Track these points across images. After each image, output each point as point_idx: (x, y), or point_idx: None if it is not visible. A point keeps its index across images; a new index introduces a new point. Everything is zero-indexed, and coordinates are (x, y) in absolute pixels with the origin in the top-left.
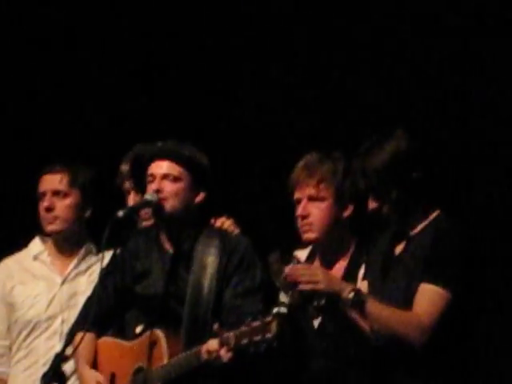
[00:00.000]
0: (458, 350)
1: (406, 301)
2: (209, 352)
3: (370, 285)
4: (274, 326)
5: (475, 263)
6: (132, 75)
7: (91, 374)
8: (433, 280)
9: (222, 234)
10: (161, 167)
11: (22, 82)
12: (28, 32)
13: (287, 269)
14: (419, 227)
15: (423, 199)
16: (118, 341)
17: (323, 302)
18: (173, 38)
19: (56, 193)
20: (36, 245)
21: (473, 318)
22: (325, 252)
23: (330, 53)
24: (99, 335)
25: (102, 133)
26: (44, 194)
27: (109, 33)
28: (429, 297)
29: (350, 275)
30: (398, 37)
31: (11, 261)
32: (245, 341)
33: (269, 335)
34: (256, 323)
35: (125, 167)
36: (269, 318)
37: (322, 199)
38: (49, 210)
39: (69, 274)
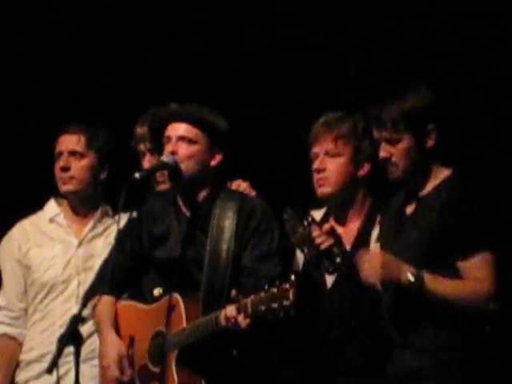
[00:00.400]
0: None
1: (418, 258)
2: (227, 318)
3: (382, 246)
4: (291, 294)
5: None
6: (143, 38)
7: (115, 343)
8: (473, 250)
9: (240, 196)
10: (177, 129)
11: (35, 43)
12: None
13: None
14: (430, 187)
15: (435, 155)
16: (137, 304)
17: (339, 259)
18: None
19: (72, 153)
20: (51, 207)
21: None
22: (339, 210)
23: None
24: (117, 298)
25: (117, 95)
26: (60, 154)
27: None
28: (478, 266)
29: (363, 235)
30: None
31: (27, 223)
32: (262, 307)
33: (286, 302)
34: (273, 290)
35: (140, 129)
36: (286, 285)
37: (338, 155)
38: (64, 169)
39: (85, 236)
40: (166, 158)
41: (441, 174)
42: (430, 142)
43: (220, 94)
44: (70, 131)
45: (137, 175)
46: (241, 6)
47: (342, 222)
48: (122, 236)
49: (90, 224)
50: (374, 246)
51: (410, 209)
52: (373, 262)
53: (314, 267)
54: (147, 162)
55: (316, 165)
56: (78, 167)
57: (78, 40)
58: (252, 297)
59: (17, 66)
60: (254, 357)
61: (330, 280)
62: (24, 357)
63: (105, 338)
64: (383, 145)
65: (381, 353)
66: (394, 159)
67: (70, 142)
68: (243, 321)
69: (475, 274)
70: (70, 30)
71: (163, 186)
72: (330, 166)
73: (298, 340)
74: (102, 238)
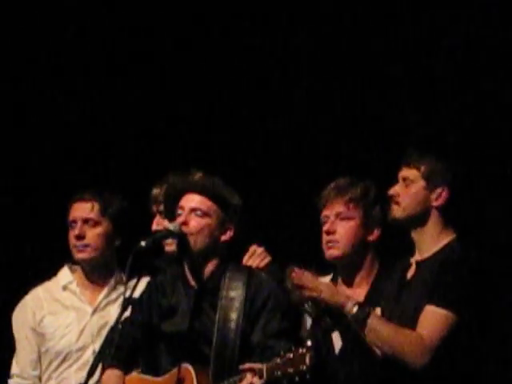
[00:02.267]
0: (464, 374)
1: (413, 324)
2: None
3: (383, 311)
4: (307, 358)
5: (486, 290)
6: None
7: None
8: (436, 302)
9: (248, 270)
10: (191, 201)
11: (49, 105)
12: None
13: (295, 270)
14: (431, 251)
15: (440, 214)
16: (146, 377)
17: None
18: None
19: (86, 221)
20: (65, 274)
21: (481, 343)
22: (347, 274)
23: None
24: (126, 371)
25: (130, 160)
26: (74, 222)
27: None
28: (431, 318)
29: (371, 300)
30: None
31: (41, 290)
32: (278, 373)
33: (303, 367)
34: (289, 355)
35: (155, 190)
36: (303, 350)
37: (349, 218)
38: (79, 238)
39: (99, 303)
40: (172, 226)
41: (444, 239)
42: (439, 200)
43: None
44: (84, 199)
45: (142, 243)
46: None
47: (350, 286)
48: (128, 303)
49: (104, 291)
50: (376, 310)
51: (410, 273)
52: (318, 282)
53: (317, 325)
54: (155, 224)
55: (326, 227)
56: (93, 235)
57: (91, 105)
58: (268, 363)
59: (30, 130)
60: None
61: (338, 341)
62: None
63: None
64: (398, 183)
65: None
66: (400, 199)
67: (83, 209)
68: (258, 382)
69: (426, 323)
70: (81, 93)
71: (170, 248)
72: (340, 229)
73: None
74: (115, 305)
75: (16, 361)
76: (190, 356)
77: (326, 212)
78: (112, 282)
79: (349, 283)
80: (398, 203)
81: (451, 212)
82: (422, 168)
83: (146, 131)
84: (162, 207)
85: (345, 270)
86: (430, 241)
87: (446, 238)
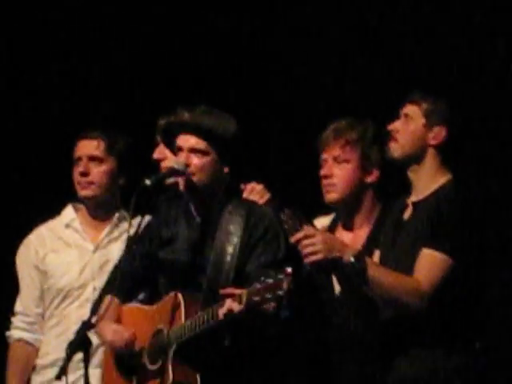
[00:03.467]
0: (465, 316)
1: (412, 266)
2: (224, 314)
3: (381, 253)
4: (285, 284)
5: (482, 231)
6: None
7: (107, 324)
8: (433, 245)
9: (249, 204)
10: (187, 141)
11: (55, 46)
12: None
13: (292, 239)
14: (428, 191)
15: (438, 153)
16: (141, 306)
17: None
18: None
19: (92, 158)
20: (68, 213)
21: (481, 285)
22: (347, 216)
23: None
24: (124, 301)
25: (137, 102)
26: (80, 159)
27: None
28: (429, 262)
29: (372, 242)
30: None
31: (44, 228)
32: (256, 298)
33: (280, 292)
34: (268, 280)
35: (162, 121)
36: (281, 276)
37: (347, 161)
38: (84, 174)
39: (101, 241)
40: (175, 164)
41: (440, 178)
42: (437, 139)
43: (230, 98)
44: (90, 136)
45: (147, 181)
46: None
47: (350, 228)
48: (134, 241)
49: (107, 229)
50: (374, 253)
51: (407, 214)
52: (314, 239)
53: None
54: (157, 153)
55: (324, 171)
56: (98, 172)
57: (96, 46)
58: (248, 288)
59: (37, 71)
60: (249, 352)
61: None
62: (39, 361)
63: (102, 330)
64: (399, 120)
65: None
66: (399, 135)
67: (89, 146)
68: (237, 307)
69: (424, 268)
70: (89, 37)
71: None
72: (337, 172)
73: (301, 340)
74: (118, 243)
75: (19, 299)
76: (188, 286)
77: (324, 155)
78: (115, 219)
79: (349, 226)
80: (396, 140)
81: (449, 152)
82: (424, 105)
83: (149, 68)
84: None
85: (344, 212)
86: (426, 180)
87: (442, 179)
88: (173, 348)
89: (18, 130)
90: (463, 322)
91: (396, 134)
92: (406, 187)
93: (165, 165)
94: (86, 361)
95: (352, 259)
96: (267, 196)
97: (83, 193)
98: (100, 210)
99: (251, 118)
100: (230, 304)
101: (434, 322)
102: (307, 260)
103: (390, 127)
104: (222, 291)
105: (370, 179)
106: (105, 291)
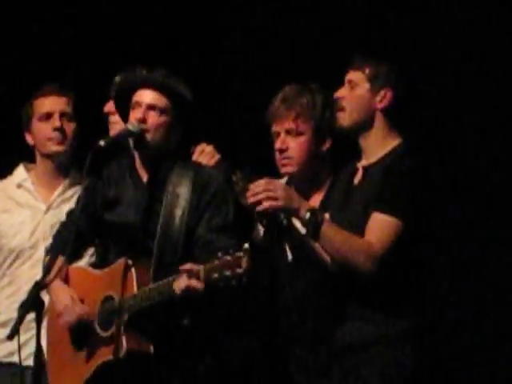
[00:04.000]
0: (413, 279)
1: (363, 229)
2: (181, 289)
3: (330, 216)
4: (244, 262)
5: (431, 195)
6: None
7: (66, 290)
8: (383, 209)
9: (197, 166)
10: (147, 96)
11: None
12: None
13: (251, 186)
14: (377, 156)
15: (386, 116)
16: (89, 269)
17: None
18: None
19: (63, 115)
20: (20, 172)
21: (429, 248)
22: (300, 185)
23: None
24: (70, 261)
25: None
26: (50, 114)
27: None
28: (379, 225)
29: (325, 209)
30: None
31: None
32: (215, 275)
33: (239, 270)
34: (227, 257)
35: (117, 77)
36: (240, 253)
37: (300, 133)
38: (59, 130)
39: (53, 201)
40: (131, 126)
41: (391, 143)
42: (383, 102)
43: (185, 63)
44: (58, 92)
45: (102, 142)
46: None
47: (303, 196)
48: (78, 201)
49: (60, 189)
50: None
51: (357, 179)
52: (275, 187)
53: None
54: (109, 106)
55: (278, 145)
56: (69, 129)
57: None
58: (205, 265)
59: None
60: (205, 326)
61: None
62: None
63: (54, 291)
64: (344, 87)
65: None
66: (345, 103)
67: (60, 103)
68: (197, 285)
69: (375, 231)
70: None
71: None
72: (292, 145)
73: (255, 309)
74: (70, 204)
75: None
76: (136, 248)
77: (275, 128)
78: (68, 180)
79: (303, 194)
80: (343, 109)
81: (397, 115)
82: (367, 70)
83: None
84: None
85: (300, 183)
86: (376, 145)
87: (392, 143)
88: (125, 316)
89: None
90: (412, 286)
91: (342, 101)
92: (357, 153)
93: (114, 119)
94: (39, 321)
95: (308, 213)
96: (217, 157)
97: (56, 148)
98: (59, 169)
99: (201, 81)
100: (188, 280)
101: (383, 285)
102: (265, 205)
103: (336, 95)
104: (181, 268)
105: (324, 148)
106: (53, 250)
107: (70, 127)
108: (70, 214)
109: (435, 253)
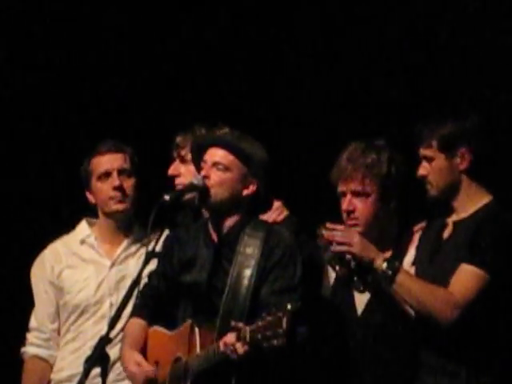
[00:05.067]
0: (500, 334)
1: (448, 284)
2: (225, 344)
3: (417, 269)
4: (284, 321)
5: None
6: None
7: (131, 354)
8: (470, 260)
9: (268, 226)
10: (213, 155)
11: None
12: None
13: (327, 226)
14: (468, 212)
15: (471, 178)
16: (164, 330)
17: (370, 277)
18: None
19: (122, 172)
20: (83, 228)
21: None
22: (371, 242)
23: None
24: (150, 323)
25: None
26: (109, 173)
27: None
28: (465, 276)
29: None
30: None
31: (59, 244)
32: (259, 335)
33: (280, 330)
34: (268, 318)
35: (179, 138)
36: (280, 313)
37: (367, 195)
38: (119, 188)
39: (118, 256)
40: (195, 180)
41: (480, 201)
42: (464, 163)
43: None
44: (116, 150)
45: (166, 197)
46: None
47: None
48: (151, 256)
49: (124, 244)
50: (409, 269)
51: (446, 233)
52: (352, 234)
53: (344, 286)
54: (172, 169)
55: (345, 206)
56: (129, 186)
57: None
58: (250, 325)
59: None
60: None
61: (361, 303)
62: (54, 376)
63: (122, 356)
64: (423, 163)
65: (408, 377)
66: (429, 178)
67: (118, 160)
68: (241, 348)
69: (460, 282)
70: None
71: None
72: (359, 206)
73: (325, 363)
74: (134, 258)
75: (34, 315)
76: (206, 309)
77: (341, 188)
78: (131, 236)
79: None
80: (430, 183)
81: (482, 171)
82: (434, 143)
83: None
84: (182, 152)
85: (369, 239)
86: (467, 202)
87: (484, 199)
88: (190, 379)
89: (26, 144)
90: (494, 340)
91: (427, 177)
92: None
93: (179, 181)
94: (104, 376)
95: (384, 264)
96: (285, 213)
97: (117, 207)
98: (124, 225)
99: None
100: (232, 340)
101: (468, 338)
102: (338, 247)
103: (419, 174)
104: (233, 323)
105: (391, 205)
106: (122, 306)
107: (129, 183)
108: (151, 275)
109: None
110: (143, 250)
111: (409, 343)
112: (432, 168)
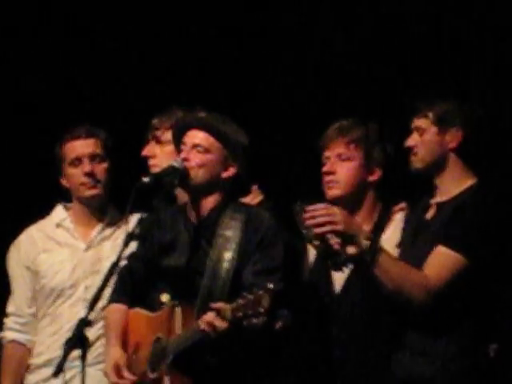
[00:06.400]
0: (477, 316)
1: None
2: (204, 322)
3: (401, 250)
4: (265, 300)
5: (504, 236)
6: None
7: (114, 354)
8: (447, 243)
9: (249, 209)
10: (193, 137)
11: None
12: None
13: (307, 209)
14: (451, 194)
15: (459, 157)
16: (145, 312)
17: (343, 257)
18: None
19: (93, 157)
20: (59, 212)
21: (494, 288)
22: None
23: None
24: (130, 306)
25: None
26: (79, 159)
27: None
28: (440, 259)
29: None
30: None
31: (34, 229)
32: (239, 314)
33: (260, 309)
34: (250, 296)
35: (155, 120)
36: (261, 292)
37: (350, 159)
38: (90, 174)
39: (93, 239)
40: (175, 162)
41: (465, 183)
42: (454, 142)
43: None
44: (86, 135)
45: (145, 179)
46: None
47: None
48: (131, 238)
49: (99, 227)
50: (394, 251)
51: (429, 215)
52: (335, 212)
53: (325, 262)
54: (146, 150)
55: (326, 167)
56: (101, 171)
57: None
58: (231, 303)
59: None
60: (238, 365)
61: (340, 280)
62: (33, 361)
63: (107, 348)
64: (413, 134)
65: (388, 356)
66: (417, 149)
67: (89, 145)
68: (220, 325)
69: (436, 265)
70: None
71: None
72: (340, 169)
73: (304, 342)
74: (110, 241)
75: (12, 300)
76: (186, 291)
77: (327, 153)
78: (107, 217)
79: None
80: (415, 154)
81: (470, 153)
82: (430, 115)
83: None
84: (157, 133)
85: (345, 210)
86: (451, 183)
87: (468, 182)
88: (169, 358)
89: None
90: (473, 323)
91: (414, 148)
92: (407, 188)
93: (153, 162)
94: (84, 359)
95: (367, 243)
96: (260, 197)
97: (89, 192)
98: (98, 209)
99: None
100: (213, 317)
101: (445, 319)
102: (325, 228)
103: (407, 144)
104: (211, 305)
105: (372, 178)
106: (101, 289)
107: (101, 168)
108: (130, 257)
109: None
110: (118, 233)
111: (387, 321)
112: (422, 140)
